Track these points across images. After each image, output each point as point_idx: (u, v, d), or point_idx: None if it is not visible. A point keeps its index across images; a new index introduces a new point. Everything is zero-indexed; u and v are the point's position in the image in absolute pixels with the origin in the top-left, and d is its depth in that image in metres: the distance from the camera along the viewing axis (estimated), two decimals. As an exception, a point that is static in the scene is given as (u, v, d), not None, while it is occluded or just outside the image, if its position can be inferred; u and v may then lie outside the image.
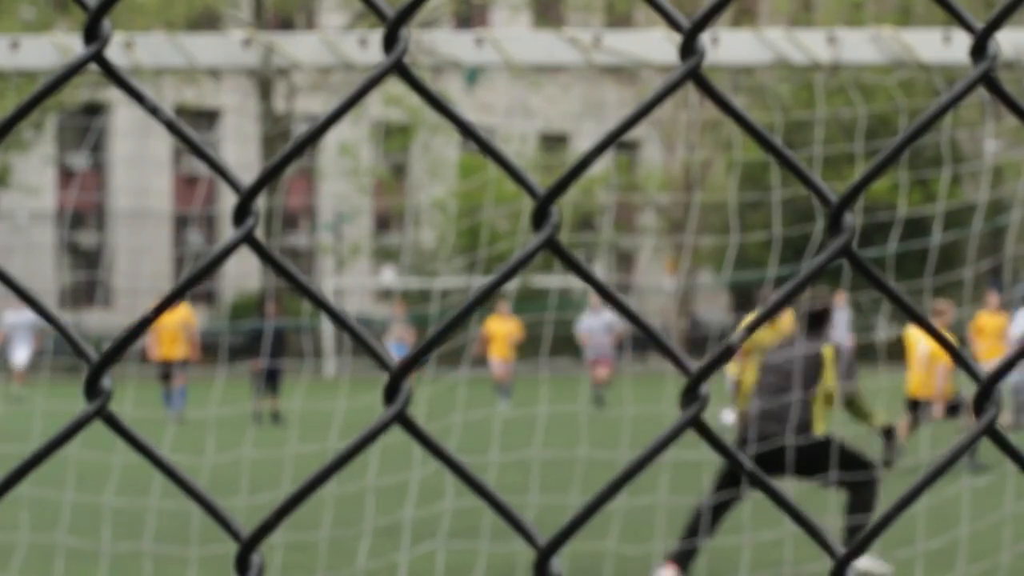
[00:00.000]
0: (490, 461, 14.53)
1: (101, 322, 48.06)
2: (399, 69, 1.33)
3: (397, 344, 35.11)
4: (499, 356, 30.18)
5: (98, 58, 1.30)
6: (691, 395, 1.37)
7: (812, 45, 8.47)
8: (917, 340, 17.66)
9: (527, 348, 30.46)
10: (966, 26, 1.40)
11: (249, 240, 1.30)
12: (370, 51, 8.48)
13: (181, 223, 57.80)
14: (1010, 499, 12.93)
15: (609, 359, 29.38)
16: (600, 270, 50.57)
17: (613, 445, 17.05)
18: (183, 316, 25.76)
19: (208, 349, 37.68)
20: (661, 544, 11.50)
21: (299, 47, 8.71)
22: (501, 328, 30.30)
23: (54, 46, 8.33)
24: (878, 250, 15.87)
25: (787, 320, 12.54)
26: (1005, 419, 19.25)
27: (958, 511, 12.51)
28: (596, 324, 29.35)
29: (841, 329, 33.43)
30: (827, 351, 10.17)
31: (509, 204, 37.13)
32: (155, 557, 11.29)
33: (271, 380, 26.45)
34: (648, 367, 35.23)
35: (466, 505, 12.24)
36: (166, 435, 18.99)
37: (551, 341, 30.24)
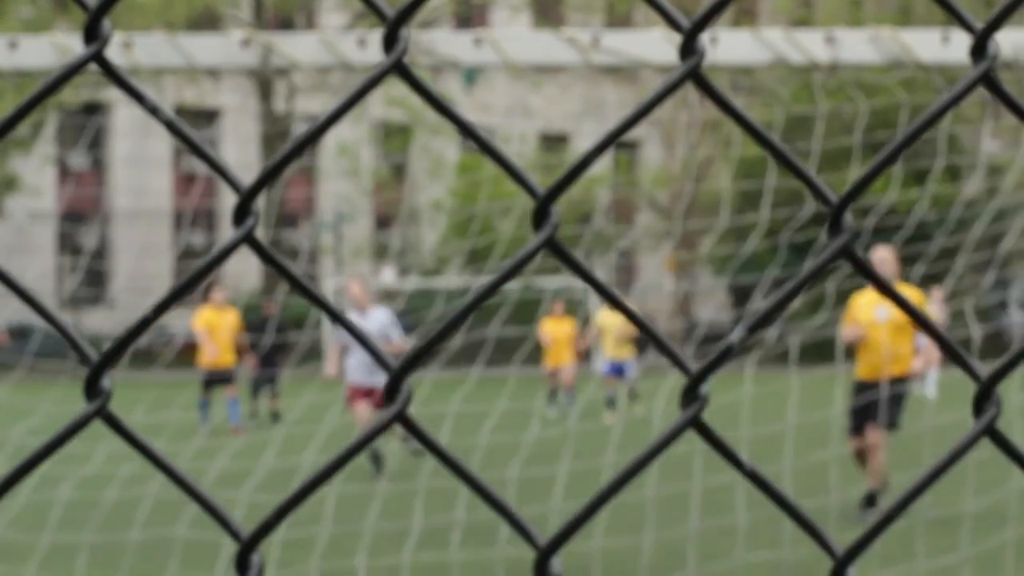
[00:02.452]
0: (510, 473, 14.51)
1: (101, 322, 48.08)
2: (399, 69, 1.33)
3: None
4: (554, 361, 28.26)
5: (98, 58, 1.30)
6: (691, 395, 1.37)
7: (810, 45, 8.47)
8: None
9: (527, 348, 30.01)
10: (966, 26, 1.40)
11: (249, 240, 1.30)
12: (368, 51, 8.48)
13: (181, 223, 57.84)
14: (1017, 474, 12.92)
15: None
16: (600, 270, 50.59)
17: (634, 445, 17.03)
18: (232, 320, 24.70)
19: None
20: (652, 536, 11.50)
21: (297, 47, 8.71)
22: (557, 330, 28.53)
23: (53, 46, 8.33)
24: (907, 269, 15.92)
25: None
26: None
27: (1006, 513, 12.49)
28: (367, 328, 18.99)
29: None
30: None
31: (508, 204, 37.07)
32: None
33: (270, 380, 26.29)
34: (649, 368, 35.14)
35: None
36: (163, 437, 18.99)
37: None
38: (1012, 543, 11.57)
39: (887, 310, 13.54)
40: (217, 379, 24.25)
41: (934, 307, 32.03)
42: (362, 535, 11.94)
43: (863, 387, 13.67)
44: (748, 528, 11.84)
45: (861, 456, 13.58)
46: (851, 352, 13.98)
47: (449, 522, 12.32)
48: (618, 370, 27.19)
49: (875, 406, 13.48)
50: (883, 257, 13.56)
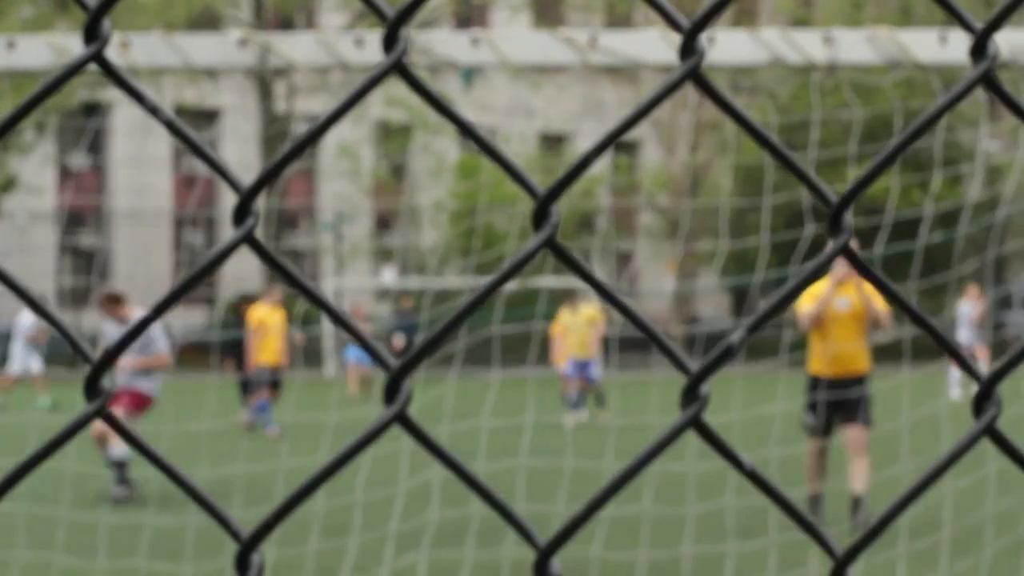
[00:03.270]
0: (478, 468, 14.51)
1: (100, 323, 48.05)
2: (399, 69, 1.33)
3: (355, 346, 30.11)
4: (572, 359, 26.57)
5: (98, 58, 1.30)
6: (691, 395, 1.37)
7: (808, 45, 8.47)
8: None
9: (524, 350, 29.51)
10: (966, 26, 1.40)
11: (249, 240, 1.30)
12: (366, 51, 8.48)
13: (181, 223, 57.87)
14: (991, 499, 12.91)
15: (145, 392, 15.85)
16: (599, 271, 50.52)
17: (600, 454, 17.03)
18: (281, 319, 24.27)
19: (205, 350, 37.40)
20: (646, 552, 11.48)
21: (295, 47, 8.70)
22: (575, 328, 26.77)
23: (50, 46, 8.32)
24: (867, 252, 15.76)
25: None
26: None
27: (940, 513, 12.48)
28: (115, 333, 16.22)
29: (964, 327, 30.13)
30: None
31: (509, 205, 37.07)
32: (149, 573, 11.23)
33: (250, 384, 26.08)
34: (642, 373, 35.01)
35: (453, 514, 12.22)
36: (162, 440, 19.00)
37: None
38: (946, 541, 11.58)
39: (848, 300, 12.82)
40: (269, 378, 23.97)
41: (970, 305, 31.18)
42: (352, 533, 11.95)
43: (822, 383, 12.86)
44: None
45: (822, 456, 12.87)
46: (800, 344, 13.41)
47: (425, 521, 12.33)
48: (583, 370, 25.96)
49: (849, 404, 12.78)
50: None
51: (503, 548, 10.85)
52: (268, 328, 24.11)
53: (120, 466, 15.26)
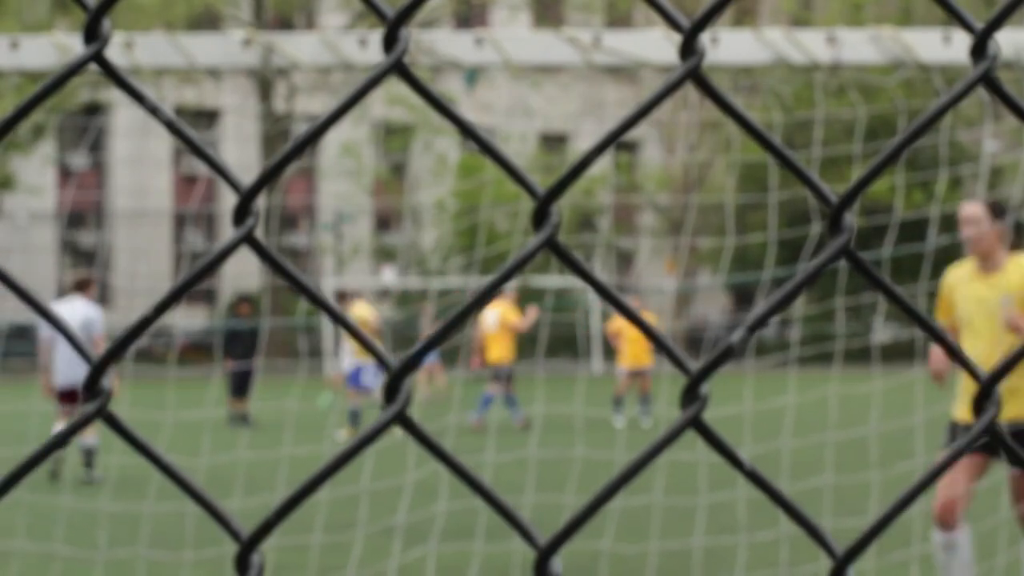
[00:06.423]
0: (486, 460, 14.52)
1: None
2: (399, 69, 1.33)
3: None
4: (634, 362, 24.74)
5: (98, 58, 1.30)
6: (691, 395, 1.37)
7: (811, 45, 8.47)
8: None
9: (524, 348, 29.55)
10: (966, 26, 1.40)
11: (249, 240, 1.30)
12: (370, 51, 8.48)
13: (181, 223, 57.90)
14: (1006, 502, 12.91)
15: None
16: (599, 271, 50.57)
17: (609, 446, 17.05)
18: (514, 316, 23.84)
19: (204, 349, 37.40)
20: (657, 544, 11.50)
21: (299, 47, 8.70)
22: (633, 328, 25.20)
23: (54, 46, 8.32)
24: (874, 253, 15.75)
25: None
26: None
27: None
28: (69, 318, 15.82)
29: None
30: None
31: (509, 205, 37.08)
32: (149, 563, 11.24)
33: (242, 382, 26.06)
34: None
35: (461, 506, 12.22)
36: (162, 436, 19.01)
37: (548, 341, 29.84)
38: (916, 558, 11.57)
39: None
40: (492, 374, 23.98)
41: None
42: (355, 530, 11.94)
43: None
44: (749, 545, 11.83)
45: None
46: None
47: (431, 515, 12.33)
48: (356, 378, 22.42)
49: None
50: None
51: (513, 542, 10.85)
52: (505, 326, 23.88)
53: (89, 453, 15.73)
